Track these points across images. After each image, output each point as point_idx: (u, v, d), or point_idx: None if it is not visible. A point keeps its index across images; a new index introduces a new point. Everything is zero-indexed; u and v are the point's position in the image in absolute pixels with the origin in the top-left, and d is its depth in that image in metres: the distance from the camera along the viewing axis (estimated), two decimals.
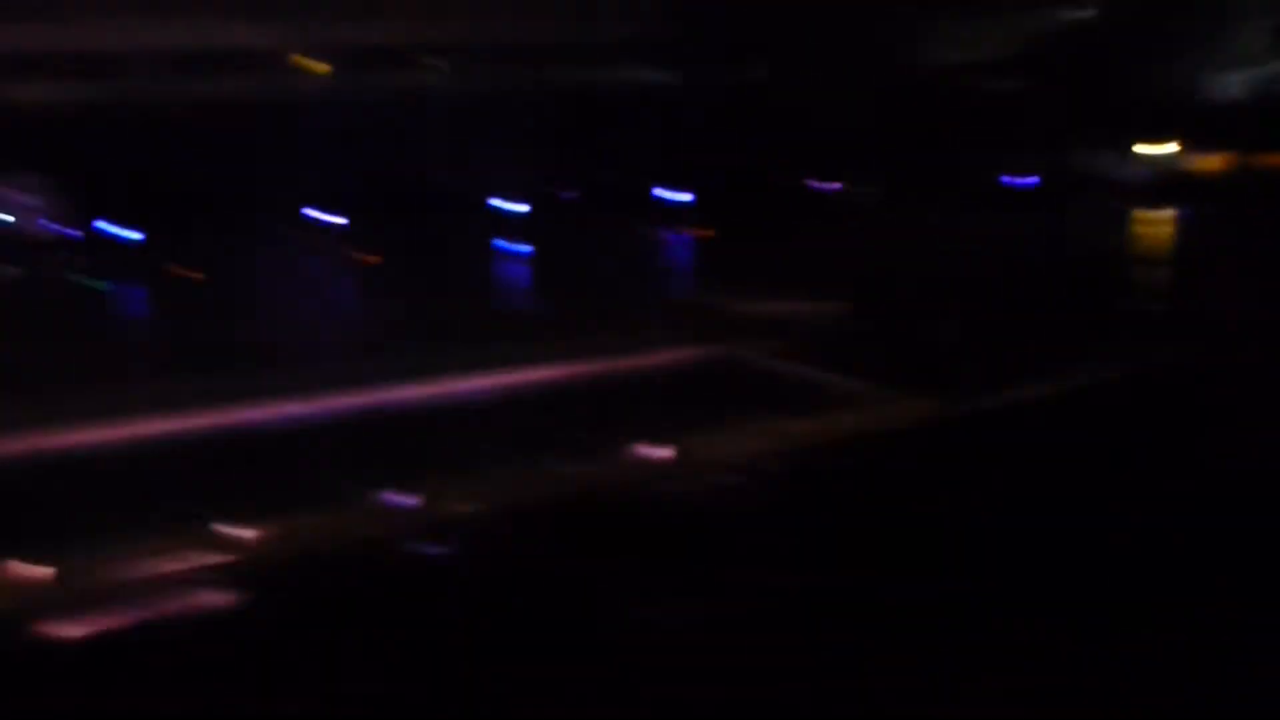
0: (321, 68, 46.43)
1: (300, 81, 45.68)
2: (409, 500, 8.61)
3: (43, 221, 38.27)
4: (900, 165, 38.87)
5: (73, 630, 7.14)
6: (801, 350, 13.58)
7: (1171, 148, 44.80)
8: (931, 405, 11.10)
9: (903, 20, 48.86)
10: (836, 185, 40.29)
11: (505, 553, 8.35)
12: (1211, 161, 45.65)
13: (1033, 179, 41.54)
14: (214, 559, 7.83)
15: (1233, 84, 52.43)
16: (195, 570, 7.74)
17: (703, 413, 11.41)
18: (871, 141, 39.49)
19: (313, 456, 10.54)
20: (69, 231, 36.39)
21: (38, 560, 7.50)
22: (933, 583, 7.48)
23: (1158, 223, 33.47)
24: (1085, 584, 7.37)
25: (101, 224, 31.15)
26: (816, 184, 40.40)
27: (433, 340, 15.60)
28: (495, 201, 36.22)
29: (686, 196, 36.33)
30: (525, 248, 30.91)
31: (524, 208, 34.77)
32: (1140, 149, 45.80)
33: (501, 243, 31.34)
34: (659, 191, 37.09)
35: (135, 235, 30.86)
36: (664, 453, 9.73)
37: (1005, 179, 42.01)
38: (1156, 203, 36.74)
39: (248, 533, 8.00)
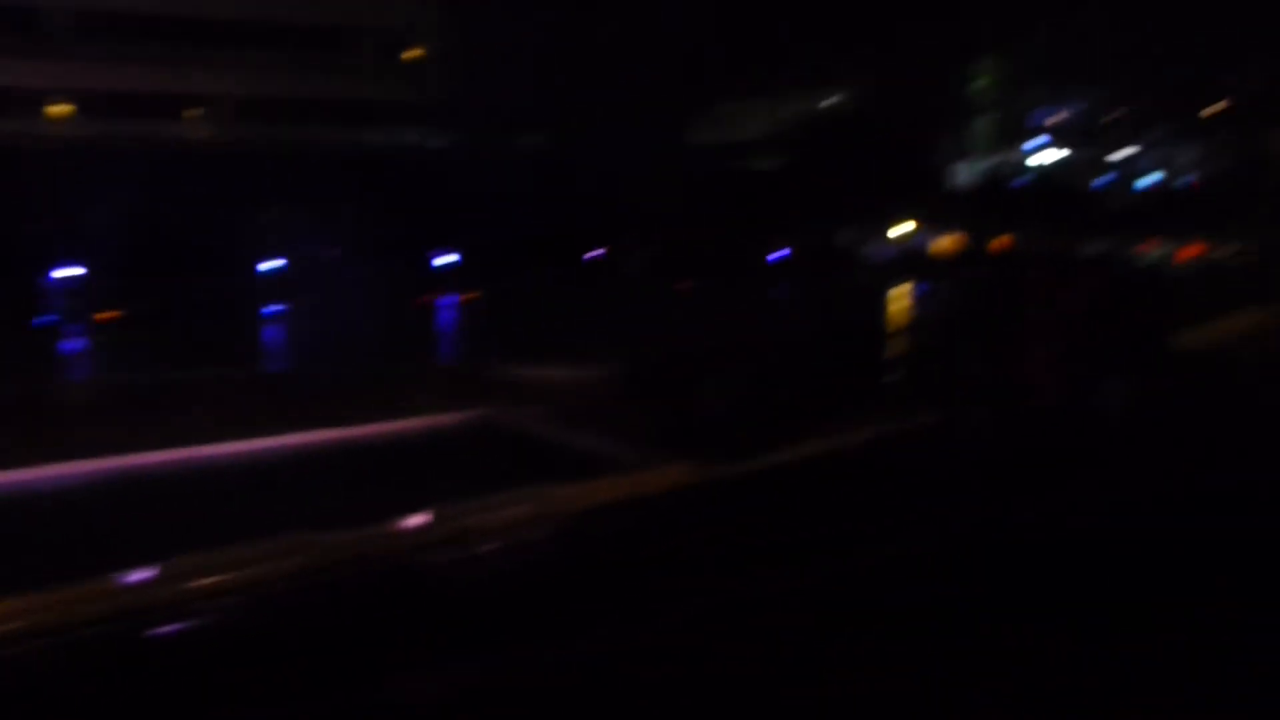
0: (65, 111, 43.71)
1: (43, 126, 42.90)
2: (146, 575, 7.95)
3: None
4: (670, 236, 40.12)
5: None
6: (567, 416, 13.60)
7: (911, 227, 48.23)
8: (694, 469, 11.27)
9: (677, 98, 50.77)
10: (604, 252, 41.13)
11: (249, 628, 7.84)
12: (948, 241, 49.42)
13: (787, 252, 43.72)
14: None
15: (966, 171, 57.10)
16: None
17: (465, 480, 11.18)
18: (643, 212, 40.59)
19: (43, 530, 9.69)
20: None
21: None
22: (693, 647, 7.51)
23: (902, 297, 35.68)
24: (842, 645, 7.53)
25: None
26: (588, 251, 41.09)
27: (178, 405, 14.73)
28: (254, 260, 34.95)
29: (454, 259, 36.17)
30: (282, 308, 29.86)
31: (281, 266, 33.69)
32: (888, 228, 49.05)
33: (259, 302, 30.18)
34: (427, 254, 36.77)
35: None
36: (423, 521, 9.42)
37: (769, 253, 44.05)
38: (902, 278, 39.29)
39: None
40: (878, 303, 32.35)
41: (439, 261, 36.42)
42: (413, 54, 51.31)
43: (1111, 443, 13.85)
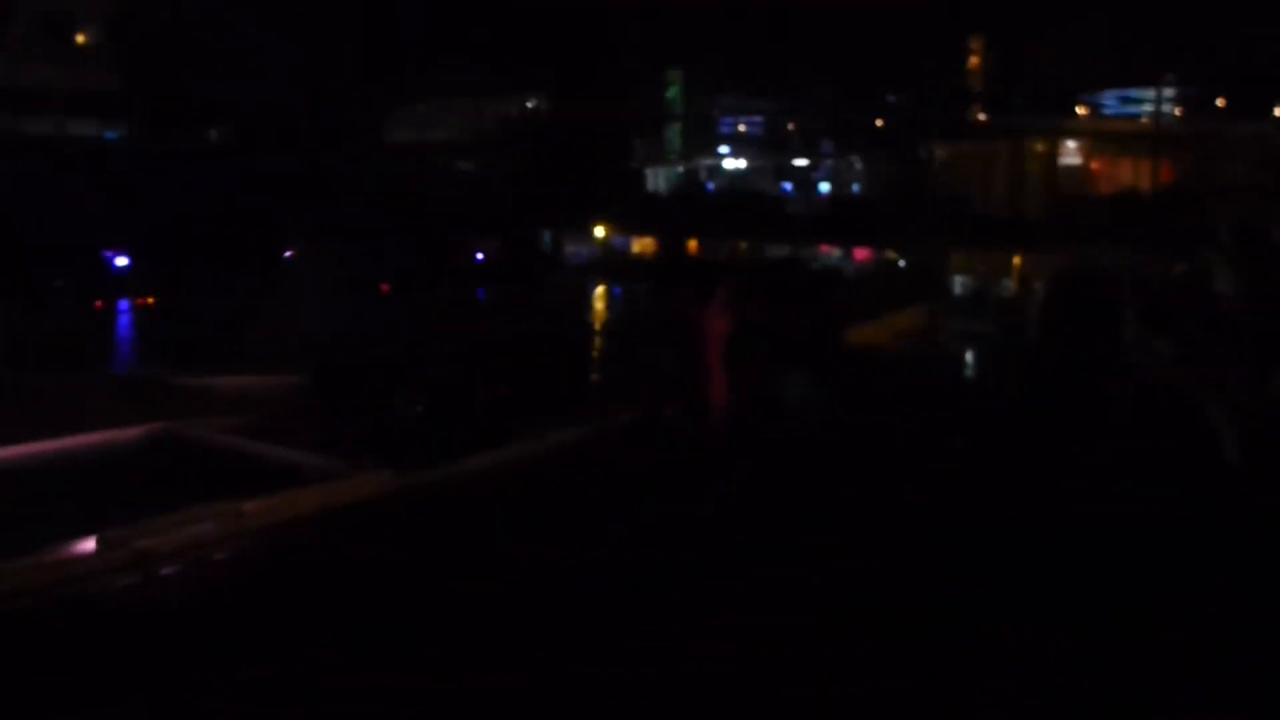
0: None
1: None
2: None
3: None
4: (369, 236, 39.18)
5: None
6: (255, 426, 13.05)
7: (608, 231, 49.59)
8: (391, 478, 11.10)
9: (372, 95, 49.68)
10: (293, 254, 39.69)
11: None
12: (644, 244, 51.19)
13: (484, 255, 43.86)
14: None
15: (660, 177, 59.29)
16: None
17: (145, 498, 10.48)
18: (333, 210, 39.42)
19: None
20: None
21: None
22: (390, 654, 7.42)
23: (601, 297, 36.65)
24: (545, 643, 7.65)
25: None
26: (277, 252, 39.47)
27: None
28: None
29: (127, 261, 33.81)
30: None
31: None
32: (587, 231, 50.13)
33: None
34: (97, 255, 34.14)
35: None
36: (92, 545, 8.76)
37: (470, 255, 43.94)
38: (600, 279, 40.32)
39: None
40: (577, 305, 33.07)
41: (111, 262, 33.91)
42: (80, 38, 47.47)
43: (781, 439, 14.81)
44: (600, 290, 37.68)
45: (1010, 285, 39.42)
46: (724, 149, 61.41)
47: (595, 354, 24.01)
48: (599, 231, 50.04)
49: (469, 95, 58.87)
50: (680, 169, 60.41)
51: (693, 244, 49.55)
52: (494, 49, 52.00)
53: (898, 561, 9.19)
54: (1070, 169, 49.04)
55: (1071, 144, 49.17)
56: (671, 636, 7.72)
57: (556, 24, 51.95)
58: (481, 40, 51.35)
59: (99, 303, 29.70)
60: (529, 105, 59.28)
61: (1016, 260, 40.37)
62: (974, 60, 54.16)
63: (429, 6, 49.52)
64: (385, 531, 10.16)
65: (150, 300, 30.53)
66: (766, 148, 60.39)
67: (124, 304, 30.43)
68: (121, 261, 34.70)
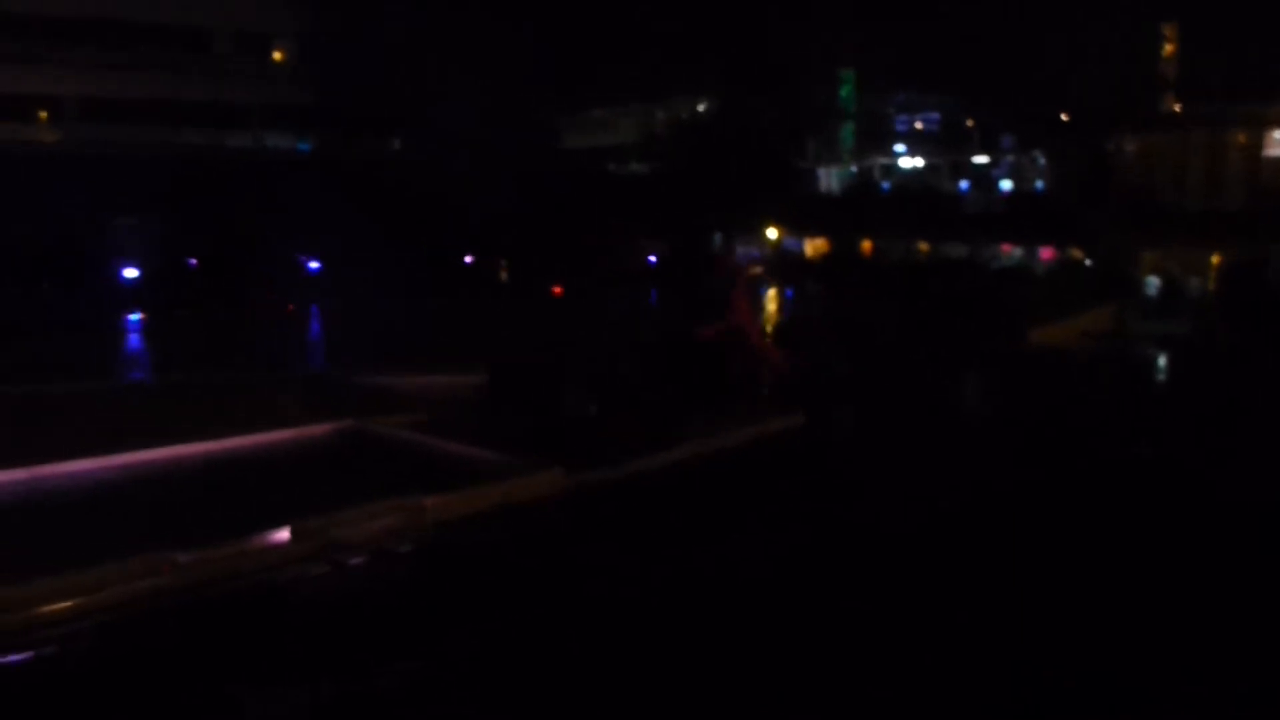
0: None
1: None
2: None
3: None
4: (538, 241, 39.98)
5: None
6: (436, 423, 13.46)
7: (779, 232, 49.12)
8: (563, 476, 11.28)
9: (542, 104, 50.64)
10: (474, 258, 40.80)
11: (99, 656, 7.55)
12: (816, 245, 50.48)
13: (656, 257, 44.07)
14: None
15: (832, 177, 58.34)
16: None
17: (332, 491, 10.96)
18: (509, 217, 40.35)
19: None
20: None
21: None
22: (568, 660, 7.53)
23: (773, 298, 36.30)
24: (724, 657, 7.63)
25: None
26: (457, 257, 40.69)
27: (32, 420, 14.12)
28: (111, 267, 33.55)
29: (319, 266, 35.41)
30: (138, 317, 28.75)
31: (136, 274, 32.50)
32: (758, 232, 49.81)
33: (119, 311, 29.04)
34: (292, 260, 35.89)
35: None
36: (287, 535, 9.22)
37: (643, 257, 44.28)
38: (772, 281, 40.01)
39: None
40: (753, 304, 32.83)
41: (304, 267, 35.63)
42: (275, 56, 50.05)
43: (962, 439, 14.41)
44: (771, 291, 37.41)
45: (1203, 284, 37.29)
46: (899, 147, 60.17)
47: (765, 354, 23.81)
48: (770, 233, 49.75)
49: (641, 100, 59.49)
50: (853, 168, 59.49)
51: (867, 245, 48.67)
52: (666, 52, 52.36)
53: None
54: (1276, 161, 45.98)
55: (1278, 134, 46.12)
56: (855, 657, 7.58)
57: (727, 24, 51.94)
58: (654, 44, 51.80)
59: (291, 306, 31.22)
60: (699, 108, 59.45)
61: (1215, 258, 38.16)
62: (1169, 48, 51.42)
63: (604, 14, 50.26)
64: (559, 529, 10.35)
65: (337, 303, 31.93)
66: (943, 145, 58.83)
67: (316, 306, 31.93)
68: (314, 266, 36.43)
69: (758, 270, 17.36)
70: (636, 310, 32.63)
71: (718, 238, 50.26)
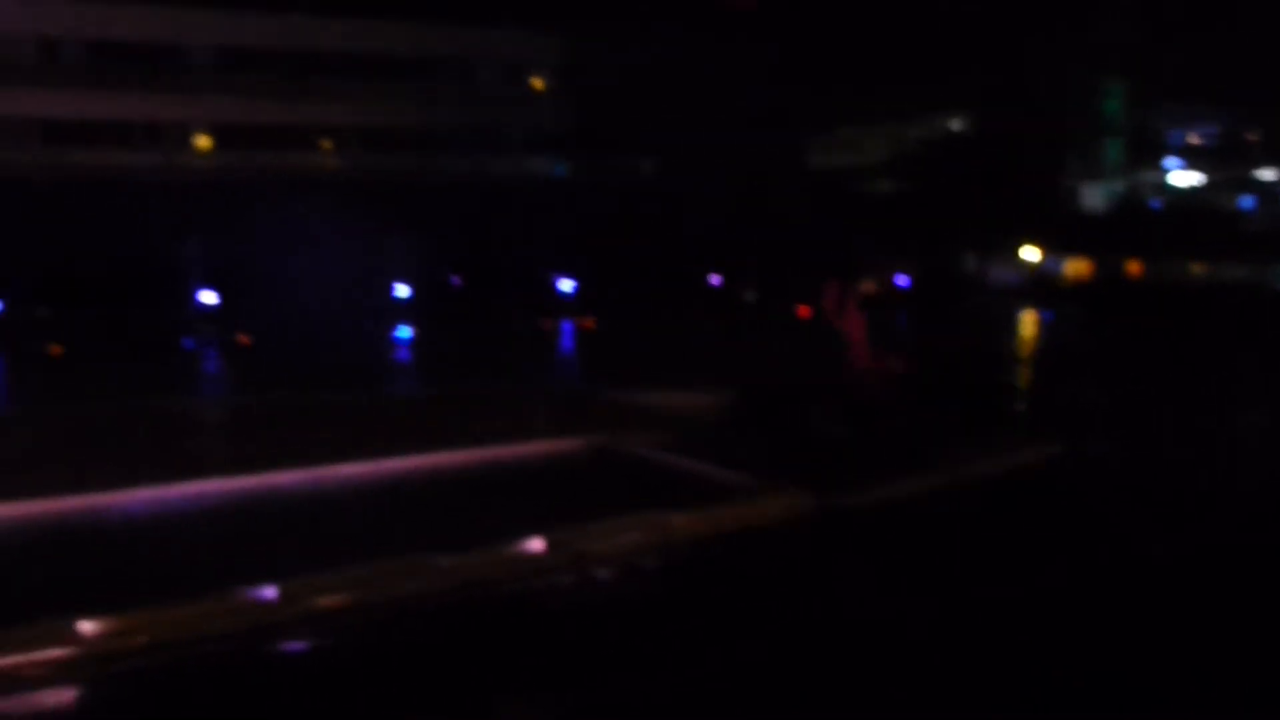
0: (204, 144, 45.70)
1: (184, 157, 44.91)
2: (269, 593, 8.16)
3: None
4: (786, 261, 39.80)
5: None
6: (683, 442, 13.55)
7: (1038, 253, 46.90)
8: (810, 498, 11.09)
9: (793, 123, 50.54)
10: (720, 279, 41.03)
11: (367, 649, 7.97)
12: (1077, 266, 47.89)
13: (905, 279, 42.95)
14: (57, 653, 7.26)
15: (1096, 194, 55.28)
16: (36, 664, 7.17)
17: (581, 505, 11.22)
18: (758, 237, 40.40)
19: (171, 545, 10.03)
20: None
21: None
22: (810, 681, 7.37)
23: (1029, 322, 34.70)
24: (963, 691, 7.29)
25: None
26: (704, 277, 41.07)
27: (304, 426, 15.20)
28: (382, 286, 35.88)
29: (571, 285, 36.53)
30: (406, 332, 30.48)
31: (407, 292, 34.50)
32: (1013, 253, 47.80)
33: (387, 325, 30.99)
34: (545, 280, 37.22)
35: None
36: (539, 545, 9.47)
37: (892, 278, 43.34)
38: (1028, 304, 38.25)
39: (94, 625, 7.47)
40: (1002, 330, 31.54)
41: (559, 287, 36.85)
42: (535, 84, 52.16)
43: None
44: (1027, 315, 35.77)
45: None
46: (1170, 162, 56.44)
47: (1020, 381, 22.74)
48: (1027, 253, 47.64)
49: (892, 118, 58.33)
50: (1120, 185, 56.18)
51: (1134, 266, 45.83)
52: (919, 69, 51.14)
53: None
54: None
55: None
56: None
57: (984, 38, 50.21)
58: (906, 61, 50.72)
59: (546, 323, 32.35)
60: (953, 126, 57.75)
61: None
62: None
63: (855, 32, 49.66)
64: (806, 553, 10.18)
65: (589, 322, 32.87)
66: (1222, 160, 54.78)
67: (567, 324, 32.98)
68: (566, 285, 37.64)
69: (868, 290, 17.69)
70: (885, 333, 31.91)
71: (970, 259, 48.59)
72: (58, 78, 42.93)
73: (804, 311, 33.78)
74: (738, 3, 47.99)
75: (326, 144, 48.54)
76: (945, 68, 51.48)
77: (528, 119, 50.64)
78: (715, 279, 41.64)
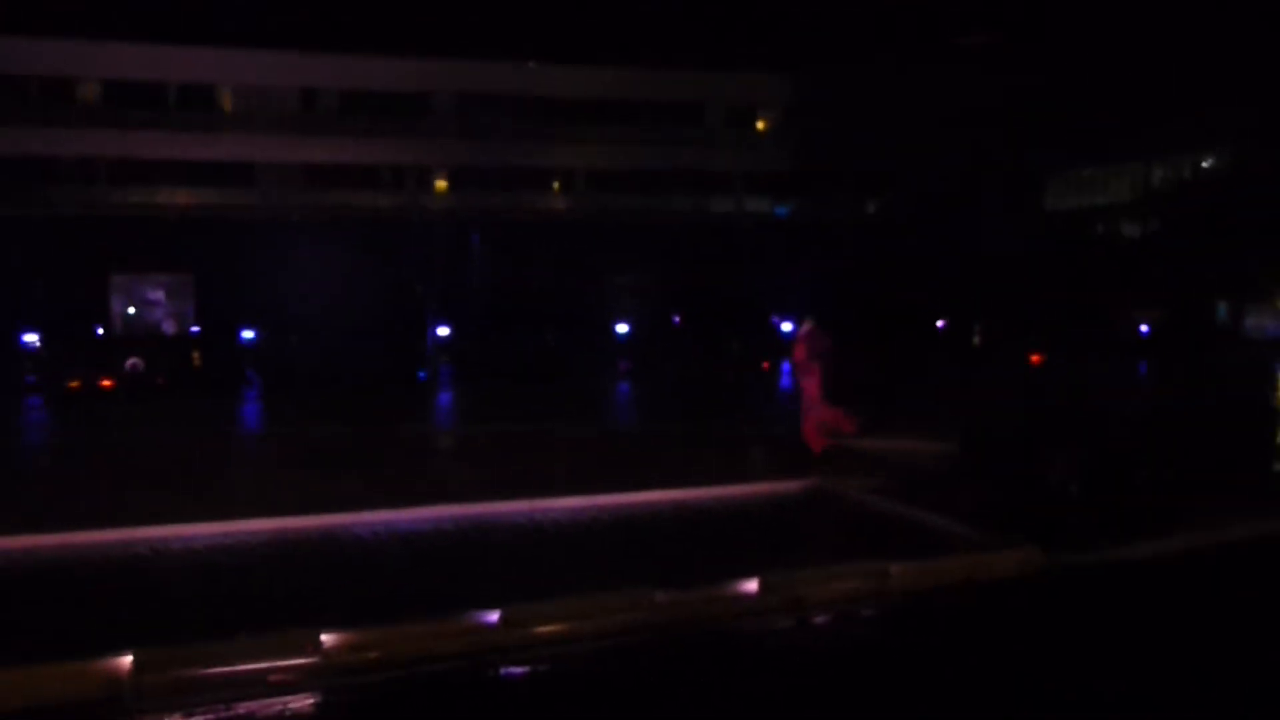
0: (440, 185, 48.23)
1: (422, 198, 47.55)
2: (492, 617, 8.45)
3: (163, 316, 40.21)
4: (1023, 305, 38.36)
5: None
6: (903, 488, 13.23)
7: None
8: (1040, 555, 10.57)
9: (1032, 162, 48.88)
10: (947, 321, 39.89)
11: (587, 679, 8.11)
12: None
13: (1148, 326, 40.50)
14: (300, 661, 7.74)
15: None
16: (281, 670, 7.67)
17: (797, 548, 11.14)
18: (988, 279, 39.12)
19: (399, 568, 10.57)
20: (191, 329, 38.07)
21: (121, 650, 7.52)
22: None
23: None
24: None
25: (245, 331, 32.67)
26: (929, 319, 40.06)
27: (521, 457, 15.73)
28: (605, 322, 36.81)
29: (791, 326, 36.37)
30: (625, 368, 31.01)
31: (627, 329, 35.21)
32: (1274, 302, 44.37)
33: (608, 362, 31.71)
34: (765, 319, 37.21)
35: (249, 335, 32.21)
36: (755, 587, 9.42)
37: (1135, 325, 41.05)
38: None
39: (335, 638, 7.95)
40: (1263, 382, 29.27)
41: (781, 327, 36.76)
42: (758, 126, 52.50)
43: None
44: None
45: None
46: None
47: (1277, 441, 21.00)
48: None
49: (1136, 157, 55.50)
50: None
51: None
52: (1168, 103, 48.47)
53: None
54: None
55: None
56: None
57: (1243, 69, 47.10)
58: (1153, 95, 48.17)
59: (765, 364, 32.32)
60: (1205, 164, 54.33)
61: None
62: None
63: (1094, 66, 47.58)
64: (1032, 612, 9.69)
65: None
66: None
67: (787, 365, 32.83)
68: (788, 326, 37.57)
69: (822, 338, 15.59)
70: (1125, 383, 30.20)
71: (1222, 307, 45.46)
72: (316, 125, 46.43)
73: (1035, 358, 32.43)
74: (972, 36, 46.91)
75: (556, 185, 50.37)
76: (1197, 102, 48.53)
77: (750, 159, 51.05)
78: (941, 321, 40.56)
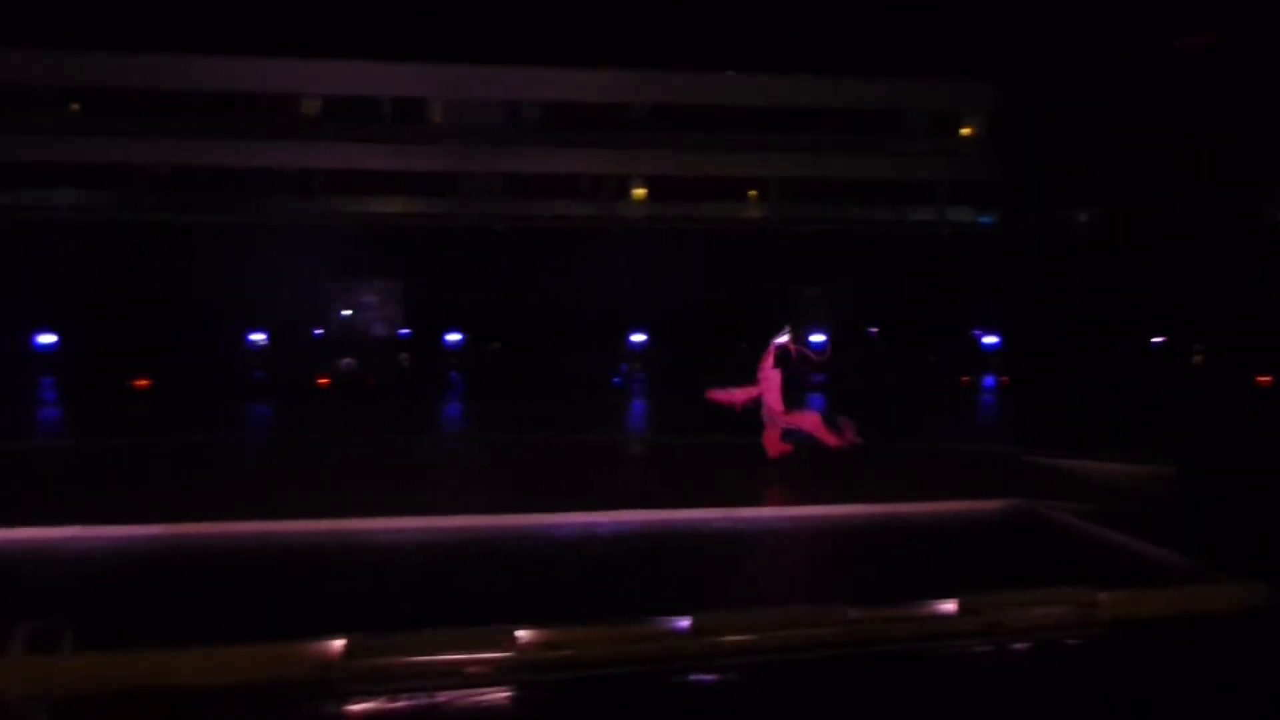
0: (639, 195, 48.88)
1: (620, 208, 48.31)
2: (683, 624, 8.50)
3: (374, 320, 42.25)
4: (1242, 323, 35.92)
5: (356, 707, 7.45)
6: (1111, 513, 12.57)
7: None
8: (1264, 591, 9.85)
9: (1251, 174, 45.81)
10: (1164, 340, 37.72)
11: (772, 687, 8.05)
12: None
13: None
14: (495, 656, 7.95)
15: None
16: (477, 663, 7.91)
17: (997, 570, 10.74)
18: (1210, 297, 36.81)
19: (593, 569, 10.76)
20: (400, 332, 39.85)
21: (330, 634, 7.91)
22: None
23: None
24: None
25: (449, 335, 34.07)
26: (1144, 337, 37.97)
27: (716, 467, 15.75)
28: (797, 335, 36.52)
29: (994, 340, 35.14)
30: (819, 381, 30.65)
31: (820, 340, 34.78)
32: None
33: (797, 375, 31.35)
34: (966, 334, 36.09)
35: (456, 337, 33.45)
36: (952, 608, 9.13)
37: None
38: None
39: (529, 634, 8.14)
40: None
41: (983, 341, 35.61)
42: (961, 133, 51.04)
43: None
44: None
45: None
46: None
47: None
48: None
49: None
50: None
51: None
52: None
53: None
54: None
55: None
56: None
57: None
58: None
59: (965, 379, 31.35)
60: None
61: None
62: None
63: None
64: (1252, 655, 9.03)
65: (1007, 379, 31.46)
66: None
67: (989, 381, 31.76)
68: (989, 340, 36.33)
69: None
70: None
71: None
72: (519, 137, 47.89)
73: (1264, 380, 30.30)
74: (1187, 42, 44.31)
75: (752, 194, 50.30)
76: None
77: (953, 168, 49.67)
78: (1157, 340, 38.40)
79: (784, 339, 15.42)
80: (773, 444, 15.39)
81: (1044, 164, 45.39)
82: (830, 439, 15.29)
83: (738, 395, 15.53)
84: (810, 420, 15.52)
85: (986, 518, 13.06)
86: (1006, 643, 8.95)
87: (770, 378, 15.32)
